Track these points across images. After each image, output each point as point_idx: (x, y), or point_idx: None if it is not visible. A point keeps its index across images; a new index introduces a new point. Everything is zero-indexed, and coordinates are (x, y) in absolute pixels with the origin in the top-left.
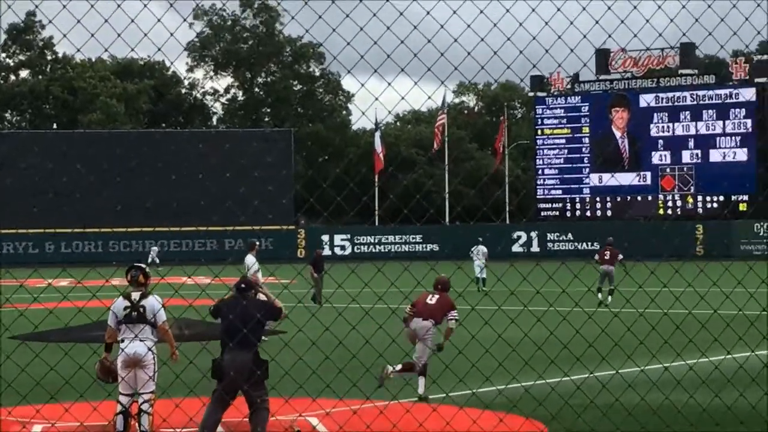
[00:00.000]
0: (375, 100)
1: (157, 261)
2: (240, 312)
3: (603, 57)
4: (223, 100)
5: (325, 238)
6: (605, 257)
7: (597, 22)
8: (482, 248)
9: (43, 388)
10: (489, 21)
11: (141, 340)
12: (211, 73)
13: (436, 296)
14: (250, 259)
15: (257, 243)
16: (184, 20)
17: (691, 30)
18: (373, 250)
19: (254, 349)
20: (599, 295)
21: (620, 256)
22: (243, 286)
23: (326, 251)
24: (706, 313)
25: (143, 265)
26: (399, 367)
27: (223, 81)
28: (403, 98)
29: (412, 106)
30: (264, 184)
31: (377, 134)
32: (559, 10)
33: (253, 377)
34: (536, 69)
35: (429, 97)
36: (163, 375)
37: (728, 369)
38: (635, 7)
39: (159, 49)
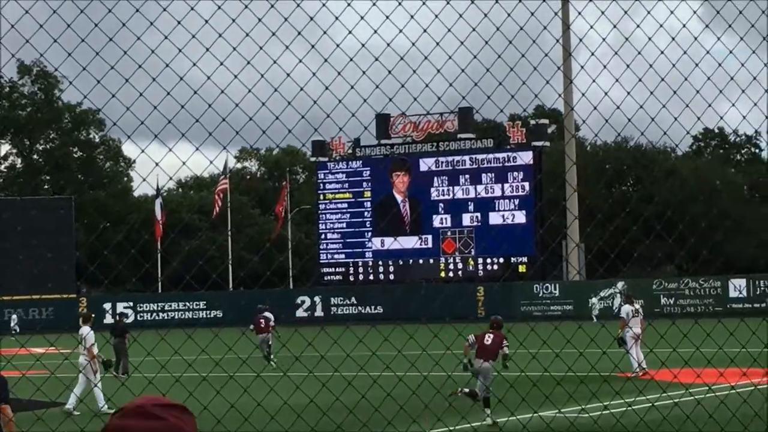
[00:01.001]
0: (155, 166)
1: (17, 329)
2: None
3: (383, 122)
4: (1, 167)
5: (107, 306)
6: (261, 325)
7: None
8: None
9: None
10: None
11: None
12: None
13: (491, 335)
14: (85, 330)
15: (93, 315)
16: None
17: (470, 94)
18: (156, 318)
19: None
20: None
21: (272, 324)
22: None
23: (108, 319)
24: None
25: None
26: (467, 390)
27: (2, 148)
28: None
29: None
30: (44, 252)
31: (157, 201)
32: (337, 76)
33: None
34: (317, 134)
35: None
36: None
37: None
38: (407, 84)
39: None
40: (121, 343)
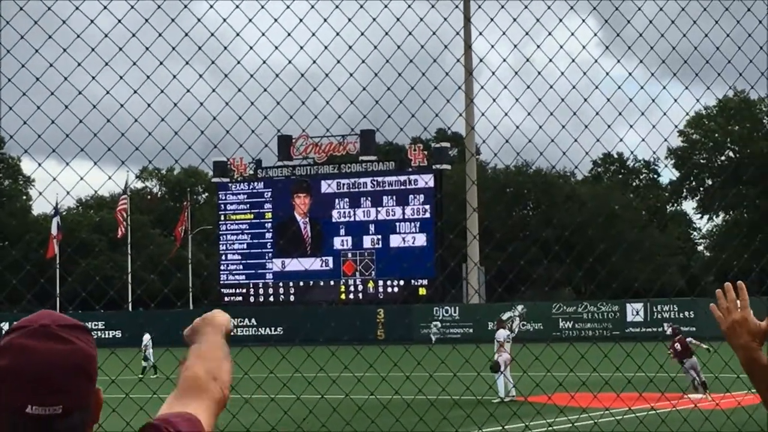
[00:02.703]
0: (53, 180)
1: None
2: None
3: (285, 143)
4: None
5: (5, 326)
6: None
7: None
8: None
9: None
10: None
11: None
12: None
13: (678, 343)
14: None
15: None
16: None
17: (372, 116)
18: None
19: None
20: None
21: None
22: None
23: None
24: (386, 398)
25: None
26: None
27: None
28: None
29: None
30: None
31: (55, 219)
32: (236, 95)
33: None
34: (219, 154)
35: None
36: None
37: None
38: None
39: None
40: None
